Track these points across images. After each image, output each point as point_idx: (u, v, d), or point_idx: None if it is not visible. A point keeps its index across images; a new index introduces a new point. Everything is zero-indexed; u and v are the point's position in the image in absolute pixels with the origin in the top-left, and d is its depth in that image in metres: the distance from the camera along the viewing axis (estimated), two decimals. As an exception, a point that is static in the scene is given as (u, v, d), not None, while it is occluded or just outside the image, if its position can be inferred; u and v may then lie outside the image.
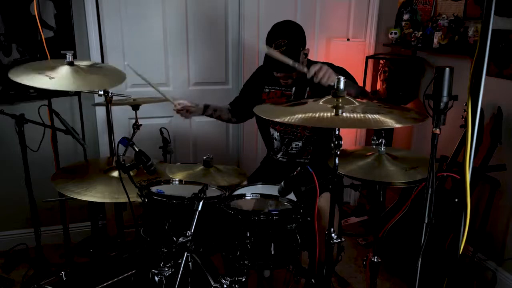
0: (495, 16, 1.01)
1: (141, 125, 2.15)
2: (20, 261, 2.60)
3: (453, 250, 1.19)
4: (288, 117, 1.34)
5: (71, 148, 2.71)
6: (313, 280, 1.88)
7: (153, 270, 1.54)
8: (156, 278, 1.52)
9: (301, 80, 2.14)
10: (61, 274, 1.83)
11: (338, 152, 1.40)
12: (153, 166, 1.57)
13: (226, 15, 2.92)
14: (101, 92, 1.92)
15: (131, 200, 1.59)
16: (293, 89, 2.18)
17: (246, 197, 1.72)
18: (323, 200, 1.92)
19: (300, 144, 2.22)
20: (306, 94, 2.16)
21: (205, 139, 3.09)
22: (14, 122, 1.99)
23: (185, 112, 2.21)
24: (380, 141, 1.69)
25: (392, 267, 2.53)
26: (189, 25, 2.86)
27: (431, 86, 1.23)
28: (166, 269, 1.54)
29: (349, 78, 1.98)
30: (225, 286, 1.56)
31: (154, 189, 1.66)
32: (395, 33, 2.99)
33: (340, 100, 1.40)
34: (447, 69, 1.20)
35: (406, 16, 2.97)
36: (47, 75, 1.72)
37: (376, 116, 1.29)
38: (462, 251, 1.18)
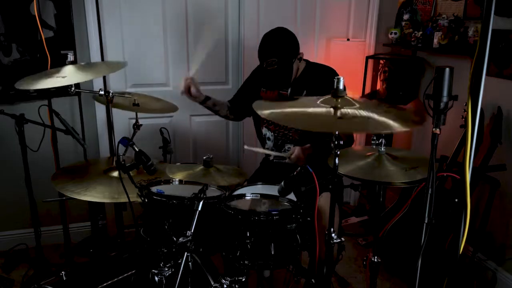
0: (495, 16, 1.01)
1: (141, 125, 2.14)
2: (20, 261, 2.60)
3: (453, 250, 1.19)
4: (286, 121, 1.33)
5: (71, 148, 2.71)
6: (313, 280, 1.88)
7: (153, 270, 1.54)
8: (156, 278, 1.52)
9: (298, 81, 2.14)
10: (61, 274, 1.84)
11: (338, 152, 1.40)
12: (153, 166, 1.57)
13: (226, 15, 2.92)
14: (102, 92, 1.92)
15: (131, 200, 1.59)
16: (289, 90, 2.18)
17: (246, 197, 1.72)
18: (323, 200, 1.92)
19: (293, 147, 2.21)
20: (303, 95, 2.16)
21: (205, 139, 3.09)
22: (14, 122, 1.99)
23: (186, 91, 2.19)
24: (380, 141, 1.69)
25: (392, 267, 2.53)
26: (189, 25, 2.86)
27: (431, 86, 1.23)
28: (166, 269, 1.55)
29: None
30: (225, 286, 1.56)
31: (154, 189, 1.66)
32: (395, 33, 2.99)
33: (339, 101, 1.39)
34: (447, 69, 1.20)
35: (406, 16, 2.97)
36: (57, 76, 1.79)
37: (376, 119, 1.29)
38: (462, 251, 1.18)
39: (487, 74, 1.28)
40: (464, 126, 1.15)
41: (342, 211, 2.61)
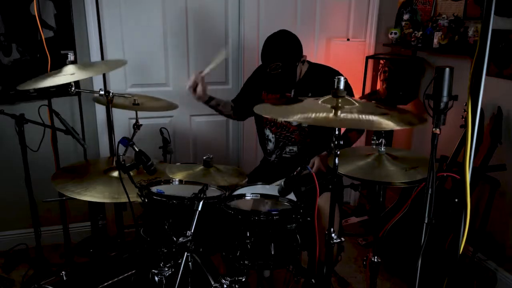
0: (495, 16, 1.01)
1: (141, 125, 2.15)
2: (20, 261, 2.60)
3: (453, 250, 1.19)
4: (287, 116, 1.34)
5: (71, 148, 2.71)
6: (313, 280, 1.88)
7: (153, 270, 1.54)
8: (156, 278, 1.52)
9: (302, 83, 2.14)
10: (61, 274, 1.84)
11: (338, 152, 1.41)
12: (153, 166, 1.57)
13: (226, 15, 2.91)
14: (102, 92, 1.92)
15: (131, 200, 1.58)
16: (293, 91, 2.17)
17: (246, 197, 1.72)
18: (323, 200, 1.92)
19: (295, 149, 2.21)
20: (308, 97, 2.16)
21: (205, 139, 3.09)
22: (14, 122, 1.99)
23: (190, 85, 2.13)
24: (380, 141, 1.69)
25: (392, 267, 2.53)
26: (189, 25, 2.86)
27: (431, 86, 1.23)
28: (166, 269, 1.55)
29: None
30: (225, 286, 1.56)
31: (154, 189, 1.66)
32: (395, 33, 2.99)
33: (340, 101, 1.40)
34: (447, 69, 1.20)
35: (406, 16, 2.97)
36: (65, 75, 1.80)
37: (375, 118, 1.29)
38: (462, 251, 1.18)
39: (487, 74, 1.28)
40: (464, 126, 1.15)
41: (342, 211, 2.62)
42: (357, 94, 3.08)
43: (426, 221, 1.29)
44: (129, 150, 1.55)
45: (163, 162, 2.23)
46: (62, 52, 2.52)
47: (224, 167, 1.80)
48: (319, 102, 1.41)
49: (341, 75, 1.45)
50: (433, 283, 2.05)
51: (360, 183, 1.89)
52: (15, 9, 2.40)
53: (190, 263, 1.52)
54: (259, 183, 1.90)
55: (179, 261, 1.49)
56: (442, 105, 1.21)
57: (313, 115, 1.32)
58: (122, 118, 2.77)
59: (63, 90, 2.47)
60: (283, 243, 1.54)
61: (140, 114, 2.16)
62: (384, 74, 3.10)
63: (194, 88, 2.13)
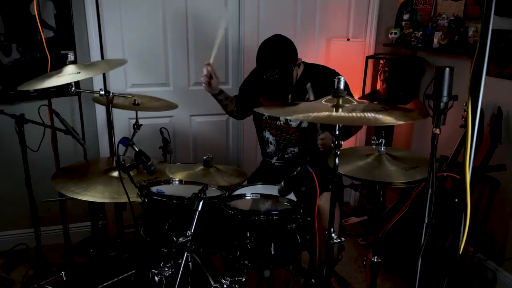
0: (495, 16, 1.01)
1: (141, 125, 2.15)
2: (20, 261, 2.60)
3: (453, 250, 1.19)
4: (289, 115, 1.35)
5: (71, 148, 2.71)
6: (313, 280, 1.88)
7: (153, 270, 1.54)
8: (156, 278, 1.52)
9: (298, 85, 2.13)
10: (61, 274, 1.83)
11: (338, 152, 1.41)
12: (153, 166, 1.57)
13: (226, 15, 2.91)
14: (102, 92, 1.92)
15: (131, 200, 1.59)
16: (290, 95, 2.17)
17: (246, 197, 1.72)
18: (323, 200, 1.92)
19: (296, 150, 2.21)
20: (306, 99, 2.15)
21: (205, 139, 3.09)
22: (14, 122, 1.99)
23: (207, 80, 2.15)
24: (380, 141, 1.69)
25: (392, 267, 2.53)
26: (189, 25, 2.86)
27: (431, 86, 1.23)
28: (166, 269, 1.54)
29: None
30: (225, 286, 1.56)
31: (154, 189, 1.66)
32: (395, 33, 2.99)
33: (340, 100, 1.40)
34: (447, 69, 1.20)
35: (406, 16, 2.97)
36: (71, 73, 1.81)
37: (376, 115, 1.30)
38: (462, 251, 1.18)
39: (487, 74, 1.28)
40: (464, 126, 1.15)
41: (342, 211, 2.61)
42: (357, 94, 3.08)
43: (426, 221, 1.29)
44: (129, 150, 1.55)
45: (163, 162, 2.23)
46: (62, 52, 2.52)
47: (224, 167, 1.80)
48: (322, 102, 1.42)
49: (338, 74, 1.45)
50: (433, 283, 2.05)
51: (360, 183, 1.89)
52: (15, 9, 2.40)
53: (190, 263, 1.52)
54: (259, 183, 1.90)
55: (179, 261, 1.49)
56: (442, 105, 1.21)
57: (314, 114, 1.33)
58: (122, 118, 2.77)
59: (63, 90, 2.47)
60: (283, 243, 1.54)
61: (140, 114, 2.16)
62: (384, 74, 3.10)
63: (208, 82, 2.15)
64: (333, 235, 1.48)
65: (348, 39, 3.14)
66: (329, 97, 1.44)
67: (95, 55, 2.67)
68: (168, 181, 1.79)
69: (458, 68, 1.44)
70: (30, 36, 2.46)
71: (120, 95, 2.03)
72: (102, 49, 2.63)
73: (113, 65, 2.12)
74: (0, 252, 2.68)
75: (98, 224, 2.91)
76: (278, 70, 1.99)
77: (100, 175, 1.86)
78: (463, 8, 2.55)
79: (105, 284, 1.80)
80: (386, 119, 1.30)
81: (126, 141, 1.54)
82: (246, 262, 1.52)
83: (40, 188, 2.21)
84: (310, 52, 3.10)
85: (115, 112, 2.35)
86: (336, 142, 1.40)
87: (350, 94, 2.04)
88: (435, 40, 2.61)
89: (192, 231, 1.49)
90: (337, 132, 1.40)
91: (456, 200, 1.16)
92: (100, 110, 2.76)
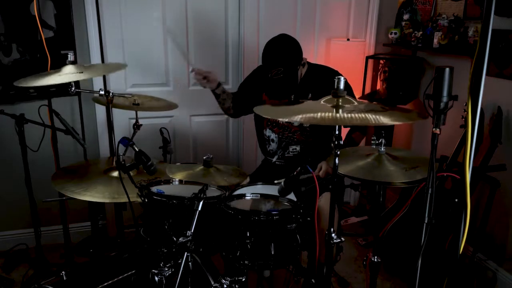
0: (495, 16, 1.01)
1: (141, 125, 2.15)
2: (20, 261, 2.59)
3: (453, 250, 1.19)
4: (289, 116, 1.35)
5: (71, 148, 2.71)
6: (313, 280, 1.88)
7: (153, 270, 1.54)
8: (156, 278, 1.52)
9: (302, 84, 2.14)
10: (61, 274, 1.84)
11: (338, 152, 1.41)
12: (153, 166, 1.57)
13: (226, 15, 2.91)
14: (102, 92, 1.92)
15: (131, 200, 1.59)
16: (292, 96, 2.18)
17: (246, 197, 1.72)
18: (323, 200, 1.92)
19: (298, 148, 2.22)
20: (309, 98, 2.15)
21: (205, 139, 3.09)
22: (14, 122, 1.99)
23: (201, 78, 2.17)
24: (380, 141, 1.69)
25: (392, 267, 2.53)
26: (189, 25, 2.86)
27: (431, 86, 1.23)
28: (166, 269, 1.55)
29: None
30: (225, 286, 1.56)
31: (154, 189, 1.66)
32: (395, 33, 2.99)
33: (340, 100, 1.40)
34: (447, 69, 1.20)
35: (406, 16, 2.97)
36: (74, 73, 1.82)
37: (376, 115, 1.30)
38: (462, 251, 1.18)
39: (487, 74, 1.28)
40: (464, 126, 1.15)
41: (342, 211, 2.62)
42: (357, 94, 3.08)
43: (426, 221, 1.29)
44: (129, 150, 1.55)
45: (163, 162, 2.23)
46: (62, 52, 2.52)
47: (224, 167, 1.80)
48: (321, 102, 1.42)
49: (340, 75, 1.45)
50: (433, 283, 2.05)
51: (360, 183, 1.89)
52: (15, 9, 2.40)
53: (190, 263, 1.52)
54: (259, 183, 1.90)
55: (179, 261, 1.49)
56: (442, 105, 1.21)
57: (315, 115, 1.33)
58: (122, 118, 2.77)
59: (63, 90, 2.47)
60: (283, 243, 1.54)
61: (140, 114, 2.16)
62: (384, 74, 3.10)
63: (205, 80, 2.18)
64: (333, 235, 1.48)
65: (348, 39, 3.14)
66: (329, 97, 1.44)
67: (95, 55, 2.67)
68: (168, 181, 1.79)
69: (458, 68, 1.44)
70: (30, 36, 2.46)
71: (120, 95, 2.03)
72: (102, 49, 2.63)
73: (113, 69, 2.13)
74: (0, 252, 2.68)
75: (98, 224, 2.91)
76: (284, 68, 2.02)
77: (100, 175, 1.86)
78: (463, 8, 2.55)
79: (105, 284, 1.80)
80: (386, 119, 1.29)
81: (126, 141, 1.54)
82: (246, 262, 1.52)
83: (40, 188, 2.21)
84: (310, 52, 3.10)
85: (115, 112, 2.35)
86: (336, 142, 1.40)
87: (352, 95, 2.04)
88: (435, 40, 2.61)
89: (192, 231, 1.49)
90: (336, 132, 1.40)
91: (456, 200, 1.16)
92: (100, 110, 2.76)
